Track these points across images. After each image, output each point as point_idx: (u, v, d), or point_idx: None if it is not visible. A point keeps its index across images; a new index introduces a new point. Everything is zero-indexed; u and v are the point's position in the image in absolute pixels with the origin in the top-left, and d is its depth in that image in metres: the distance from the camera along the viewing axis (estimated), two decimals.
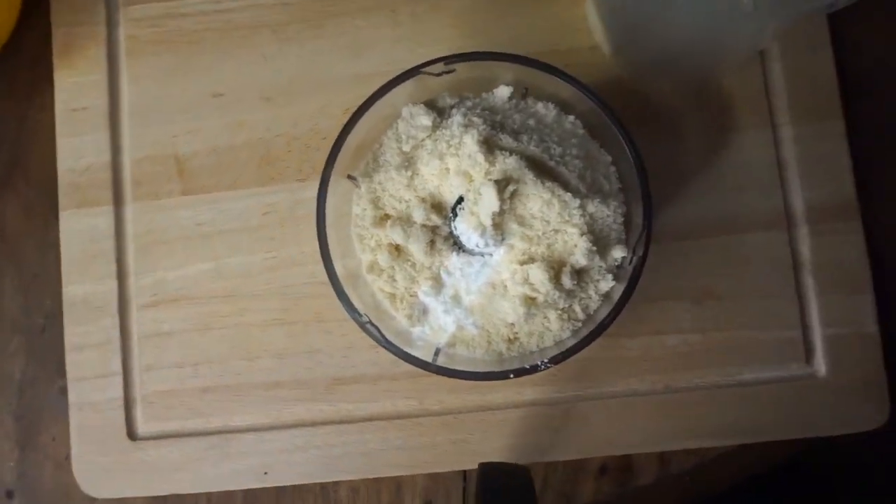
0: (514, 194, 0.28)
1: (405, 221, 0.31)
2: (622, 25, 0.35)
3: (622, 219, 0.31)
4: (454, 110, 0.31)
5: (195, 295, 0.39)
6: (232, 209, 0.39)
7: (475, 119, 0.30)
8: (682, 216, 0.37)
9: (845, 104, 0.37)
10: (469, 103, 0.31)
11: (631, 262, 0.29)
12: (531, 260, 0.29)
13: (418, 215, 0.31)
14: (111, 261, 0.39)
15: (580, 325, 0.30)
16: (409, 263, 0.32)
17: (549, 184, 0.28)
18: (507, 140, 0.29)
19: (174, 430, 0.38)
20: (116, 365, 0.39)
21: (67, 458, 0.39)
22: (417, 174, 0.31)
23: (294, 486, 0.39)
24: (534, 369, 0.28)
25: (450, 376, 0.29)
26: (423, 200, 0.31)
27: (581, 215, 0.28)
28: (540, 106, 0.32)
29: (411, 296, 0.33)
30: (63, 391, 0.40)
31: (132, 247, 0.39)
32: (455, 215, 0.30)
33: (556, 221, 0.29)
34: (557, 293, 0.29)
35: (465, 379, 0.29)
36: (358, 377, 0.38)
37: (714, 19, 0.29)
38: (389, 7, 0.39)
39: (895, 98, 0.22)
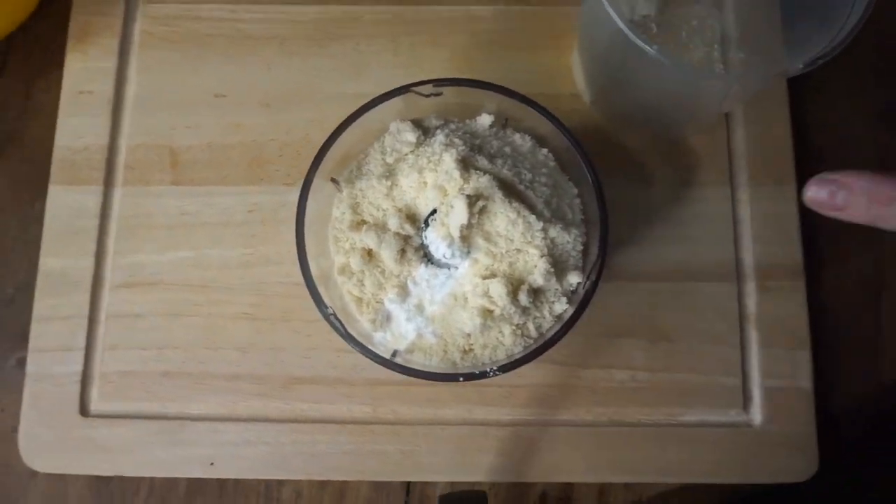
0: (483, 210, 0.30)
1: (380, 228, 0.33)
2: (601, 79, 0.38)
3: (581, 247, 0.33)
4: (438, 131, 0.33)
5: (170, 281, 0.40)
6: (218, 203, 0.41)
7: (456, 140, 0.32)
8: (642, 258, 0.40)
9: (799, 170, 0.40)
10: (453, 126, 0.34)
11: (584, 286, 0.31)
12: (493, 275, 0.31)
13: (393, 223, 0.32)
14: (92, 239, 0.40)
15: (532, 342, 0.32)
16: (379, 270, 0.34)
17: (516, 204, 0.30)
18: (482, 162, 0.31)
19: (128, 411, 0.39)
20: (81, 340, 0.39)
21: (14, 430, 0.39)
22: (397, 185, 0.33)
23: (237, 483, 0.39)
24: (483, 375, 0.30)
25: (404, 373, 0.30)
26: (399, 210, 0.33)
27: (543, 238, 0.31)
28: (517, 136, 0.34)
29: (377, 301, 0.35)
30: (20, 364, 0.40)
31: (115, 228, 0.40)
32: (427, 225, 0.32)
33: (520, 241, 0.31)
34: (514, 308, 0.30)
35: (418, 377, 0.30)
36: (317, 378, 0.39)
37: (683, 83, 0.32)
38: (391, 36, 0.42)
39: (846, 166, 0.25)
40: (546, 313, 0.32)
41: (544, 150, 0.34)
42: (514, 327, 0.32)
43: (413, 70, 0.42)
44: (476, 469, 0.38)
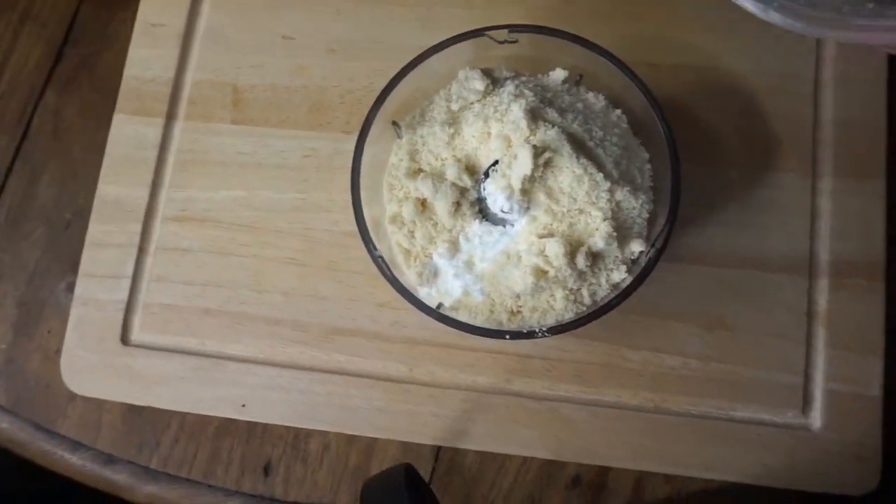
0: (548, 164, 0.29)
1: (437, 177, 0.32)
2: None
3: (647, 215, 0.31)
4: (508, 81, 0.32)
5: (221, 219, 0.40)
6: (275, 146, 0.40)
7: (526, 91, 0.31)
8: (708, 242, 0.37)
9: (890, 165, 0.38)
10: (524, 78, 0.33)
11: (647, 255, 0.30)
12: (550, 235, 0.30)
13: (451, 173, 0.31)
14: (150, 170, 0.40)
15: (584, 310, 0.30)
16: (431, 222, 0.33)
17: (583, 160, 0.29)
18: (552, 114, 0.30)
19: (167, 344, 0.39)
20: (129, 269, 0.39)
21: (57, 352, 0.40)
22: (459, 134, 0.32)
23: (266, 429, 0.39)
24: (531, 334, 0.28)
25: (448, 325, 0.29)
26: (459, 161, 0.32)
27: (608, 199, 0.29)
28: (591, 94, 0.32)
29: (426, 255, 0.33)
30: (70, 288, 0.41)
31: (172, 161, 0.41)
32: (487, 177, 0.31)
33: (583, 201, 0.29)
34: (569, 271, 0.29)
35: (463, 330, 0.29)
36: (356, 331, 0.38)
37: None
38: None
39: None
40: (603, 281, 0.30)
41: (618, 111, 0.33)
42: (567, 292, 0.30)
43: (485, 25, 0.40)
44: (509, 441, 0.37)
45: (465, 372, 0.37)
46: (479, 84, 0.32)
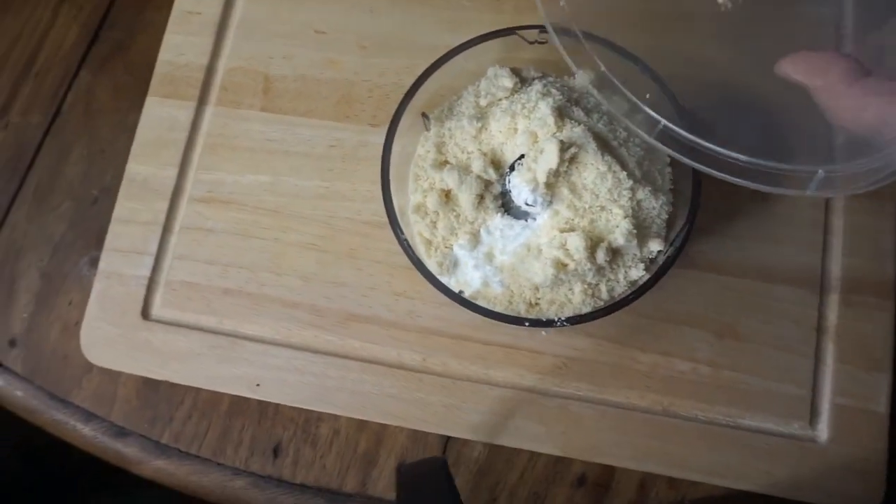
0: (573, 159, 0.30)
1: (463, 169, 0.33)
2: None
3: (666, 216, 0.32)
4: (535, 81, 0.33)
5: (246, 202, 0.41)
6: (302, 134, 0.41)
7: (553, 90, 0.31)
8: (722, 251, 0.38)
9: None
10: (551, 79, 0.33)
11: (666, 252, 0.30)
12: (572, 230, 0.30)
13: (477, 166, 0.32)
14: (179, 151, 0.41)
15: (601, 305, 0.31)
16: (454, 214, 0.34)
17: (608, 158, 0.29)
18: (578, 113, 0.31)
19: (186, 321, 0.40)
20: (153, 246, 0.40)
21: (77, 324, 0.41)
22: (486, 129, 0.33)
23: (278, 411, 0.39)
24: (549, 323, 0.29)
25: (470, 309, 0.30)
26: (485, 154, 0.33)
27: (630, 198, 0.30)
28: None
29: (446, 246, 0.34)
30: (94, 262, 0.41)
31: (201, 144, 0.42)
32: (512, 170, 0.32)
33: (605, 198, 0.30)
34: (589, 265, 0.30)
35: (484, 315, 0.29)
36: (372, 318, 0.39)
37: None
38: None
39: None
40: (621, 277, 0.31)
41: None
42: (585, 286, 0.31)
43: None
44: (517, 435, 0.37)
45: (478, 364, 0.38)
46: (507, 81, 0.33)
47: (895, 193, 0.38)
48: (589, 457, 0.37)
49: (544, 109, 0.30)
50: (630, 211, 0.30)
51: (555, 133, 0.30)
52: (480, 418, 0.37)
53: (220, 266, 0.40)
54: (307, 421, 0.39)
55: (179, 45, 0.43)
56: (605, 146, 0.30)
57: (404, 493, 0.29)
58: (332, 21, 0.43)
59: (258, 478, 0.39)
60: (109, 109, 0.45)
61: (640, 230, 0.30)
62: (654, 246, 0.31)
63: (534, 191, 0.30)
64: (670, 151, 0.25)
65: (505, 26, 0.41)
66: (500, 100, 0.33)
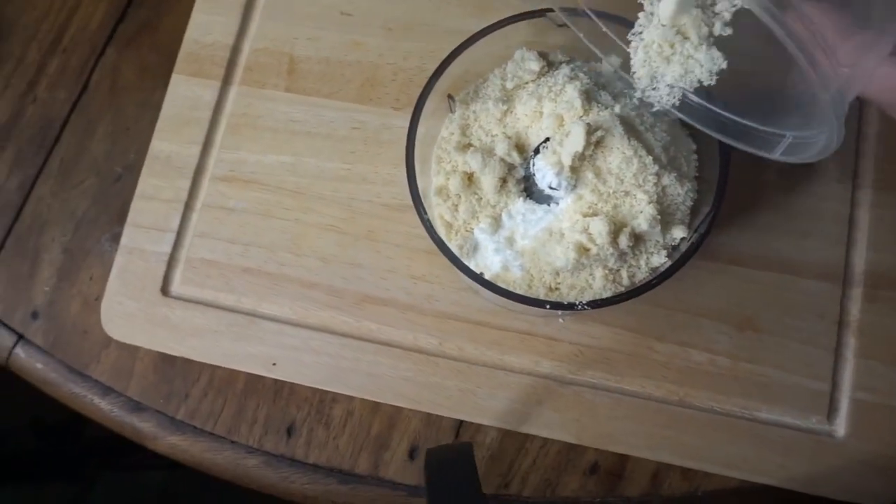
0: (598, 143, 0.29)
1: (487, 153, 0.33)
2: None
3: (691, 203, 0.31)
4: (563, 65, 0.33)
5: (267, 182, 0.41)
6: (325, 116, 0.41)
7: (581, 74, 0.31)
8: (745, 242, 0.38)
9: None
10: (578, 63, 0.33)
11: (690, 239, 0.30)
12: (595, 214, 0.30)
13: (501, 149, 0.32)
14: (203, 130, 0.42)
15: (622, 290, 0.31)
16: (476, 197, 0.34)
17: (634, 142, 0.29)
18: (605, 98, 0.31)
19: (205, 299, 0.40)
20: (175, 224, 0.41)
21: (97, 299, 0.41)
22: (512, 112, 0.33)
23: (293, 391, 0.40)
24: (571, 306, 0.29)
25: (491, 290, 0.30)
26: (509, 138, 0.33)
27: (655, 183, 0.29)
28: None
29: (467, 230, 0.34)
30: (115, 238, 0.42)
31: (225, 123, 0.42)
32: (537, 153, 0.31)
33: (630, 182, 0.30)
34: (611, 250, 0.29)
35: (505, 296, 0.29)
36: (389, 301, 0.39)
37: None
38: None
39: None
40: (642, 264, 0.31)
41: None
42: (606, 271, 0.31)
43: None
44: (531, 422, 0.37)
45: (494, 350, 0.38)
46: (534, 65, 0.33)
47: None
48: (602, 445, 0.37)
49: (571, 93, 0.30)
50: (655, 196, 0.29)
51: (581, 116, 0.30)
52: (495, 404, 0.37)
53: (240, 245, 0.40)
54: (321, 401, 0.40)
55: (206, 25, 0.43)
56: (631, 130, 0.30)
57: (431, 475, 0.29)
58: (359, 3, 0.43)
59: (271, 457, 0.39)
60: (135, 87, 0.45)
61: (664, 216, 0.30)
62: (678, 233, 0.31)
63: (558, 174, 0.30)
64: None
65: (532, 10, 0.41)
66: (526, 83, 0.33)
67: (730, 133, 0.27)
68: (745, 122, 0.26)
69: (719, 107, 0.27)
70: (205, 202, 0.41)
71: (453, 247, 0.34)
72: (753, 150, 0.26)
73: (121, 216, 0.42)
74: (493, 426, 0.38)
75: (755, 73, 0.26)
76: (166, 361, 0.41)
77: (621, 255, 0.30)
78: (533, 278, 0.32)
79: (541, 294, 0.32)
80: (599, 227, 0.29)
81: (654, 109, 0.28)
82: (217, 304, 0.40)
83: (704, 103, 0.27)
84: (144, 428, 0.41)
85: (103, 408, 0.41)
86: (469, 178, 0.34)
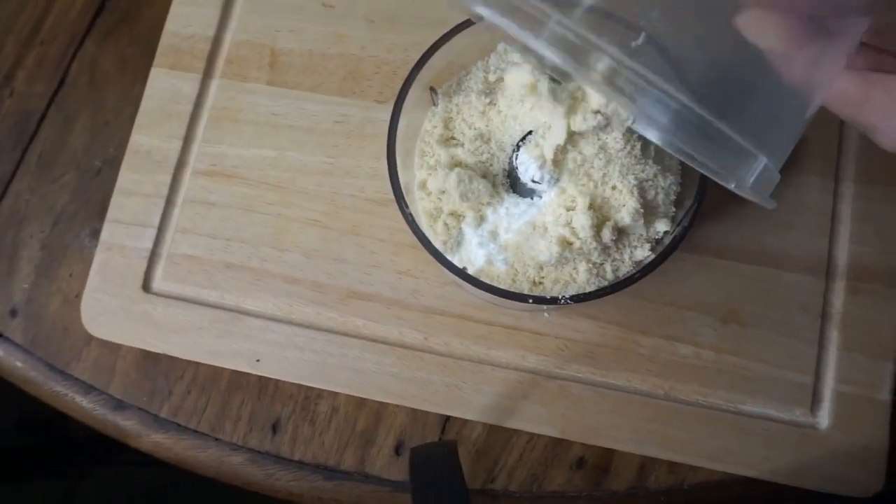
0: (581, 135, 0.29)
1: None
2: None
3: (674, 197, 0.31)
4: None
5: (249, 176, 0.40)
6: (307, 109, 0.41)
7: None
8: (728, 235, 0.38)
9: None
10: None
11: (673, 233, 0.30)
12: (578, 208, 0.30)
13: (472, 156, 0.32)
14: (183, 124, 0.41)
15: (606, 284, 0.31)
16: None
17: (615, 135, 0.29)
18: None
19: (187, 295, 0.39)
20: (156, 219, 0.40)
21: (77, 296, 0.41)
22: (494, 104, 0.32)
23: (277, 387, 0.39)
24: (553, 300, 0.29)
25: (474, 285, 0.29)
26: (485, 140, 0.32)
27: (637, 176, 0.29)
28: None
29: (450, 225, 0.34)
30: (95, 234, 0.41)
31: (206, 116, 0.41)
32: (519, 146, 0.31)
33: (613, 176, 0.29)
34: (594, 244, 0.29)
35: (488, 291, 0.29)
36: (374, 296, 0.38)
37: None
38: None
39: None
40: (626, 258, 0.31)
41: None
42: (590, 265, 0.30)
43: None
44: (517, 416, 0.37)
45: (479, 344, 0.38)
46: (517, 57, 0.32)
47: None
48: (588, 439, 0.37)
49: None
50: (637, 190, 0.29)
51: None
52: (481, 399, 0.37)
53: (222, 240, 0.40)
54: (306, 398, 0.39)
55: (186, 17, 0.43)
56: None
57: (416, 474, 0.29)
58: None
59: (256, 454, 0.39)
60: (114, 80, 0.45)
61: (648, 210, 0.30)
62: (661, 226, 0.30)
63: (541, 167, 0.29)
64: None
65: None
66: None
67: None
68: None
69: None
70: (186, 197, 0.40)
71: (437, 242, 0.34)
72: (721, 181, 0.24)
73: (101, 211, 0.41)
74: (479, 421, 0.38)
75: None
76: (149, 359, 0.40)
77: (605, 249, 0.30)
78: (517, 272, 0.32)
79: (525, 288, 0.32)
80: (582, 221, 0.29)
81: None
82: (200, 301, 0.39)
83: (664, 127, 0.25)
84: (127, 426, 0.40)
85: (85, 406, 0.41)
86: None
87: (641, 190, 0.30)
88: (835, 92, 0.22)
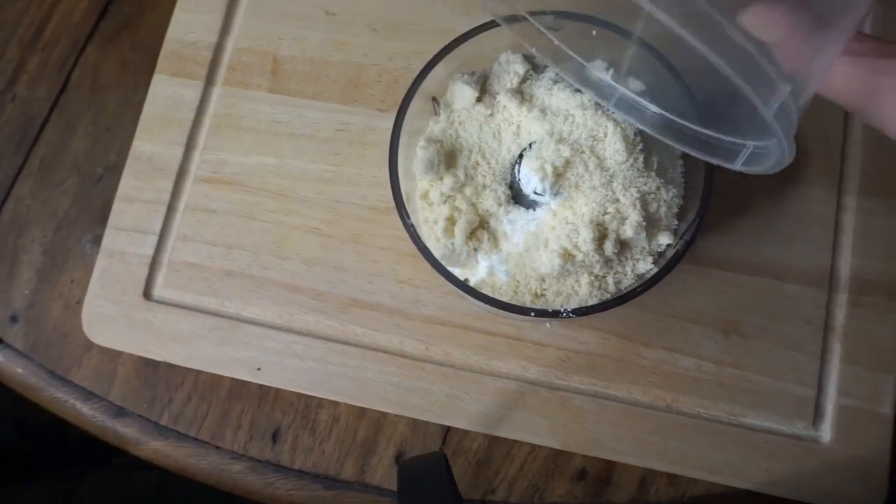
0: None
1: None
2: None
3: (676, 210, 0.31)
4: (548, 68, 0.32)
5: (250, 184, 0.40)
6: (309, 117, 0.41)
7: (566, 77, 0.31)
8: (731, 247, 0.38)
9: None
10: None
11: (674, 248, 0.30)
12: (580, 220, 0.30)
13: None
14: (185, 131, 0.41)
15: (608, 297, 0.31)
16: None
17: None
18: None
19: (187, 303, 0.39)
20: (157, 226, 0.40)
21: (78, 302, 0.40)
22: (496, 115, 0.32)
23: (278, 395, 0.39)
24: (555, 314, 0.29)
25: (475, 297, 0.29)
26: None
27: (640, 189, 0.29)
28: (629, 86, 0.33)
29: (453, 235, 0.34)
30: (96, 240, 0.41)
31: (208, 124, 0.41)
32: (521, 158, 0.31)
33: (615, 188, 0.29)
34: (597, 257, 0.29)
35: (488, 304, 0.29)
36: (375, 305, 0.38)
37: None
38: None
39: None
40: (628, 270, 0.31)
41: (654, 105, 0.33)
42: (592, 278, 0.30)
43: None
44: (518, 427, 0.37)
45: (481, 355, 0.38)
46: (519, 68, 0.32)
47: None
48: (589, 451, 0.37)
49: (557, 96, 0.30)
50: (640, 203, 0.29)
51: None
52: (482, 409, 0.37)
53: (223, 248, 0.39)
54: (307, 407, 0.39)
55: (188, 23, 0.42)
56: None
57: (404, 488, 0.29)
58: (344, 2, 0.42)
59: (256, 462, 0.39)
60: (116, 85, 0.45)
61: (650, 223, 0.30)
62: (664, 239, 0.30)
63: (543, 180, 0.29)
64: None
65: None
66: (511, 86, 0.32)
67: (693, 144, 0.26)
68: (705, 132, 0.26)
69: (680, 118, 0.26)
70: (187, 204, 0.40)
71: (437, 252, 0.34)
72: (716, 161, 0.25)
73: (102, 217, 0.41)
74: (481, 432, 0.38)
75: (711, 82, 0.26)
76: (149, 366, 0.40)
77: (607, 262, 0.30)
78: (519, 284, 0.32)
79: (527, 300, 0.31)
80: (584, 234, 0.29)
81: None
82: (200, 308, 0.39)
83: (663, 113, 0.26)
84: (127, 433, 0.40)
85: (85, 412, 0.40)
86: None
87: (644, 203, 0.29)
88: (840, 81, 0.22)
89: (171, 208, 0.40)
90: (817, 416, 0.36)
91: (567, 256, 0.29)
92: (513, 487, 0.38)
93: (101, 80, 0.45)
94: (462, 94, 0.32)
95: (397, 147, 0.31)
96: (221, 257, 0.39)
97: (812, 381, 0.36)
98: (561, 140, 0.29)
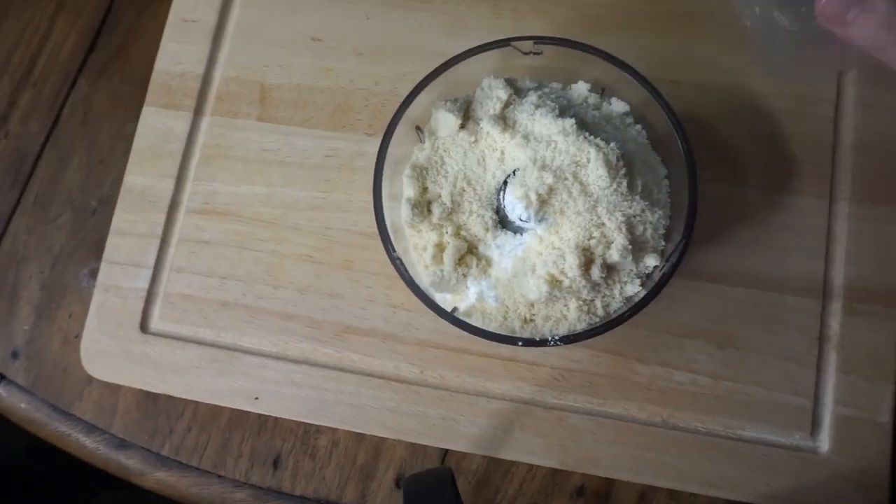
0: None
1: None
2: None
3: (663, 231, 0.31)
4: (531, 92, 0.32)
5: (241, 213, 0.40)
6: (298, 144, 0.41)
7: (549, 102, 0.31)
8: (723, 260, 0.38)
9: None
10: (546, 90, 0.33)
11: (661, 270, 0.30)
12: (566, 246, 0.30)
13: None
14: (176, 162, 0.41)
15: (597, 321, 0.31)
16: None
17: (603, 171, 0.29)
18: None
19: (184, 334, 0.40)
20: (151, 259, 0.40)
21: (77, 336, 0.41)
22: (479, 142, 0.32)
23: (277, 422, 0.40)
24: (543, 342, 0.29)
25: (463, 328, 0.29)
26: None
27: (625, 212, 0.29)
28: (612, 107, 0.33)
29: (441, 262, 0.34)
30: (93, 273, 0.42)
31: (198, 154, 0.41)
32: (506, 185, 0.31)
33: (600, 212, 0.29)
34: (584, 282, 0.29)
35: (477, 335, 0.29)
36: (369, 331, 0.39)
37: None
38: (494, 0, 0.41)
39: None
40: (616, 293, 0.31)
41: (637, 126, 0.33)
42: (580, 302, 0.30)
43: (511, 35, 0.41)
44: (515, 448, 0.37)
45: (475, 377, 0.38)
46: (502, 93, 0.32)
47: None
48: (587, 469, 0.37)
49: (539, 121, 0.30)
50: (625, 226, 0.29)
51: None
52: (478, 431, 0.37)
53: (217, 278, 0.40)
54: (306, 433, 0.40)
55: (176, 54, 0.43)
56: None
57: (411, 503, 0.29)
58: (329, 28, 0.42)
59: (259, 490, 0.39)
60: (107, 118, 0.45)
61: (637, 245, 0.30)
62: (651, 261, 0.30)
63: (528, 207, 0.29)
64: None
65: (503, 31, 0.41)
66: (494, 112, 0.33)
67: None
68: None
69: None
70: (181, 236, 0.41)
71: (426, 279, 0.34)
72: None
73: (98, 250, 0.42)
74: (478, 454, 0.38)
75: None
76: (149, 397, 0.40)
77: (594, 286, 0.30)
78: (508, 309, 0.32)
79: (516, 325, 0.32)
80: (570, 260, 0.29)
81: None
82: (196, 340, 0.39)
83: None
84: (130, 465, 0.40)
85: (89, 445, 0.41)
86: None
87: (629, 226, 0.30)
88: None
89: (164, 241, 0.41)
90: (815, 426, 0.36)
91: (554, 283, 0.30)
92: None
93: (92, 114, 0.45)
94: (445, 122, 0.32)
95: (381, 176, 0.31)
96: (216, 288, 0.40)
97: (809, 392, 0.36)
98: (544, 167, 0.29)
